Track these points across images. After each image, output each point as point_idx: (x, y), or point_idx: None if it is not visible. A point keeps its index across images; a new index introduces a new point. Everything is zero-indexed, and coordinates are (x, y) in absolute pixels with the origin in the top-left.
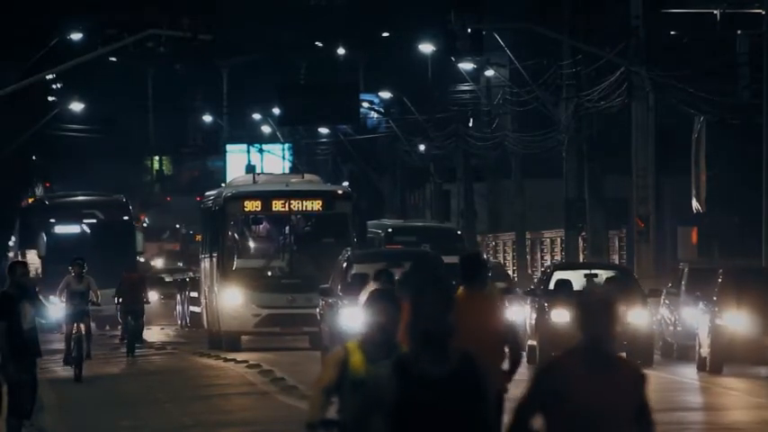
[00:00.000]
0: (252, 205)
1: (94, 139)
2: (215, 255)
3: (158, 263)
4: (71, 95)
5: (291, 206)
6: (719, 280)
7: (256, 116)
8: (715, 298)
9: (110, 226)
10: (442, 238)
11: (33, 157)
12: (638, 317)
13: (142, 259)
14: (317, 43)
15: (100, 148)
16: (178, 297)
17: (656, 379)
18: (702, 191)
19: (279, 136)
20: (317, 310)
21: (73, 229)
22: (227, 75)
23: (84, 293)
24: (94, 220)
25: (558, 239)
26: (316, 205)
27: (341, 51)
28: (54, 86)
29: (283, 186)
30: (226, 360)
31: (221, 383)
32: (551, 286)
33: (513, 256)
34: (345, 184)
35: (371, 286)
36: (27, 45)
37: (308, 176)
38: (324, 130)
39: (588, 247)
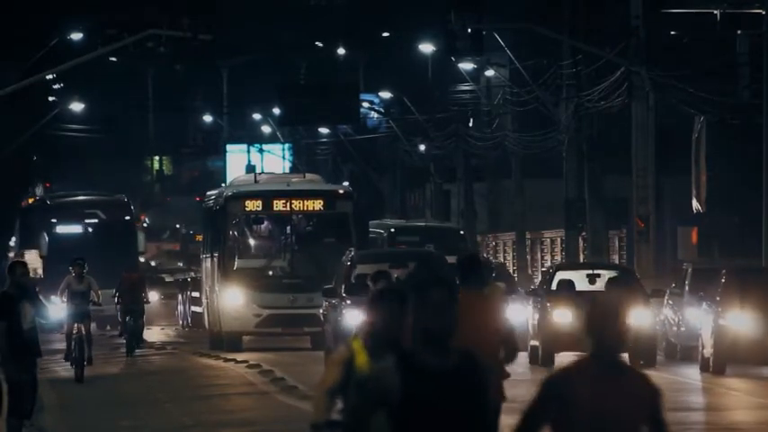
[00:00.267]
0: (253, 205)
1: (94, 139)
2: (216, 255)
3: (159, 263)
4: (71, 95)
5: (293, 206)
6: (723, 280)
7: (256, 116)
8: (718, 298)
9: (111, 226)
10: (445, 237)
11: (33, 157)
12: (640, 317)
13: (142, 259)
14: (317, 43)
15: (100, 148)
16: (180, 297)
17: (659, 380)
18: (702, 191)
19: (279, 136)
20: (321, 310)
21: (75, 228)
22: (227, 75)
23: (85, 293)
24: (96, 220)
25: (558, 239)
26: (317, 205)
27: (341, 51)
28: (54, 86)
29: (284, 186)
30: (226, 360)
31: (221, 383)
32: (554, 286)
33: (513, 256)
34: (345, 184)
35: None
36: (27, 45)
37: (309, 176)
38: (324, 130)
39: (588, 247)
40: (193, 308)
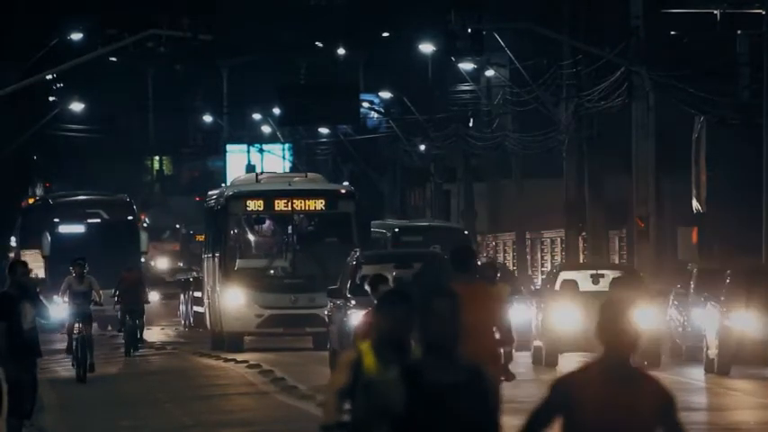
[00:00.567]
0: (254, 204)
1: (94, 139)
2: (217, 254)
3: (159, 263)
4: (71, 95)
5: (294, 206)
6: (727, 281)
7: (256, 116)
8: (723, 298)
9: (114, 226)
10: (449, 238)
11: (33, 157)
12: (645, 318)
13: (143, 259)
14: (317, 43)
15: (100, 148)
16: (182, 297)
17: (663, 380)
18: (702, 191)
19: (279, 136)
20: (326, 311)
21: (77, 228)
22: (227, 75)
23: (87, 294)
24: (99, 220)
25: (558, 239)
26: (318, 205)
27: (341, 51)
28: (54, 86)
29: (286, 185)
30: (226, 360)
31: (221, 383)
32: (557, 287)
33: (513, 256)
34: (346, 183)
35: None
36: (27, 45)
37: (311, 175)
38: (324, 130)
39: (588, 247)
40: (195, 308)
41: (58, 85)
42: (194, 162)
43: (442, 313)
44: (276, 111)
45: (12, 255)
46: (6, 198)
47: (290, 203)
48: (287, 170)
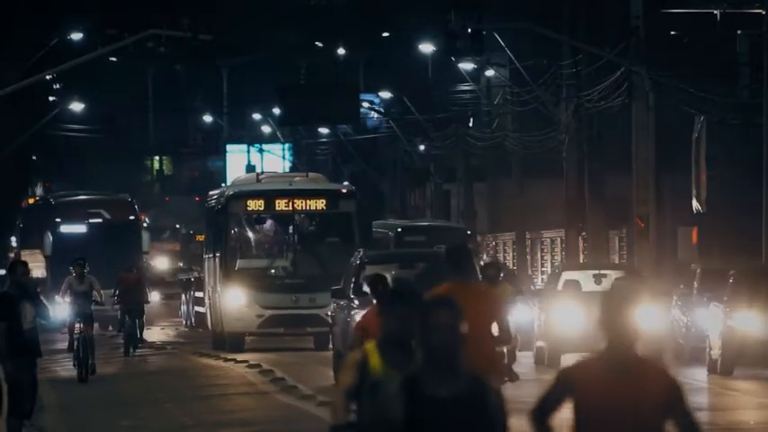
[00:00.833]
0: (255, 204)
1: (94, 139)
2: (218, 254)
3: (159, 263)
4: (71, 95)
5: (295, 205)
6: (730, 281)
7: (256, 116)
8: (726, 299)
9: (116, 225)
10: (453, 238)
11: (33, 157)
12: (648, 318)
13: (145, 259)
14: (317, 43)
15: (100, 148)
16: (183, 297)
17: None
18: (702, 191)
19: (279, 136)
20: (329, 312)
21: (79, 228)
22: (227, 75)
23: (87, 294)
24: (100, 220)
25: (558, 239)
26: (319, 204)
27: (341, 51)
28: (54, 86)
29: (287, 185)
30: (226, 360)
31: (221, 383)
32: (560, 287)
33: (513, 255)
34: (346, 183)
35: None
36: (27, 45)
37: (312, 175)
38: (324, 130)
39: (588, 247)
40: (197, 308)
41: (58, 85)
42: (194, 162)
43: (441, 324)
44: (276, 111)
45: (12, 255)
46: (6, 198)
47: (290, 203)
48: (287, 170)
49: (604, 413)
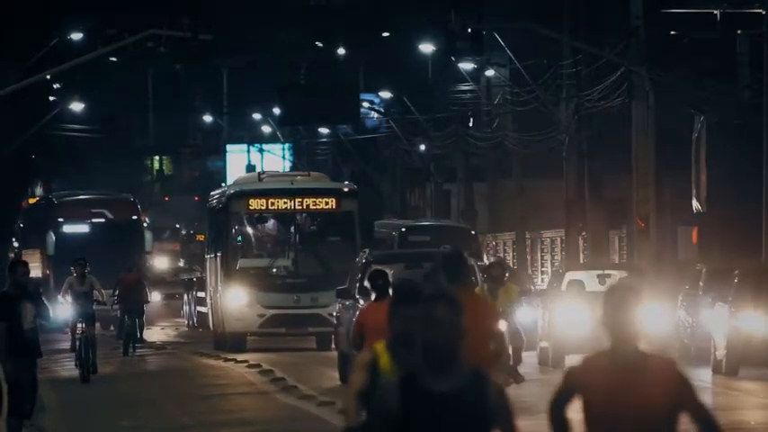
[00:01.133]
0: (257, 203)
1: (94, 139)
2: (219, 254)
3: (159, 263)
4: (71, 95)
5: (296, 204)
6: (735, 280)
7: (256, 116)
8: (731, 298)
9: (119, 225)
10: (457, 237)
11: (33, 157)
12: (652, 318)
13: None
14: (317, 43)
15: (100, 148)
16: (185, 297)
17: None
18: (702, 191)
19: (279, 136)
20: (334, 312)
21: (82, 228)
22: (227, 75)
23: (88, 294)
24: (103, 220)
25: (558, 239)
26: (321, 203)
27: (341, 51)
28: (54, 86)
29: (288, 184)
30: (226, 360)
31: (221, 383)
32: (563, 287)
33: (513, 255)
34: (346, 182)
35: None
36: (27, 45)
37: (314, 174)
38: (324, 130)
39: (588, 247)
40: (199, 308)
41: (58, 85)
42: (194, 162)
43: (440, 319)
44: (276, 111)
45: (12, 255)
46: (6, 198)
47: (292, 202)
48: (287, 170)
49: (614, 411)
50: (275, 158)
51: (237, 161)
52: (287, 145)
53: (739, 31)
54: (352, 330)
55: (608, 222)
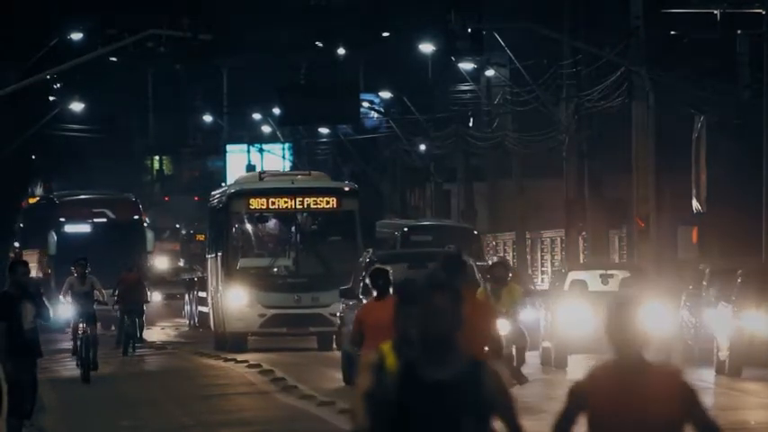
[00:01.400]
0: (257, 203)
1: (94, 138)
2: (220, 254)
3: (159, 263)
4: (71, 95)
5: (297, 204)
6: (738, 281)
7: (256, 116)
8: (734, 298)
9: (120, 225)
10: (459, 237)
11: (33, 157)
12: (654, 318)
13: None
14: (317, 43)
15: (100, 148)
16: (186, 297)
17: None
18: (702, 191)
19: (279, 136)
20: (338, 312)
21: (83, 228)
22: (227, 75)
23: (89, 294)
24: (105, 220)
25: (558, 239)
26: (322, 203)
27: (341, 51)
28: (54, 86)
29: (289, 184)
30: (226, 360)
31: (221, 383)
32: (566, 287)
33: (513, 255)
34: (348, 182)
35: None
36: (27, 45)
37: (315, 174)
38: (324, 130)
39: (588, 246)
40: (200, 308)
41: (58, 85)
42: (194, 162)
43: (437, 308)
44: (276, 111)
45: (12, 255)
46: (6, 198)
47: (293, 202)
48: (287, 170)
49: (619, 423)
50: (275, 158)
51: (237, 161)
52: (287, 145)
53: (739, 31)
54: (352, 327)
55: (608, 222)
